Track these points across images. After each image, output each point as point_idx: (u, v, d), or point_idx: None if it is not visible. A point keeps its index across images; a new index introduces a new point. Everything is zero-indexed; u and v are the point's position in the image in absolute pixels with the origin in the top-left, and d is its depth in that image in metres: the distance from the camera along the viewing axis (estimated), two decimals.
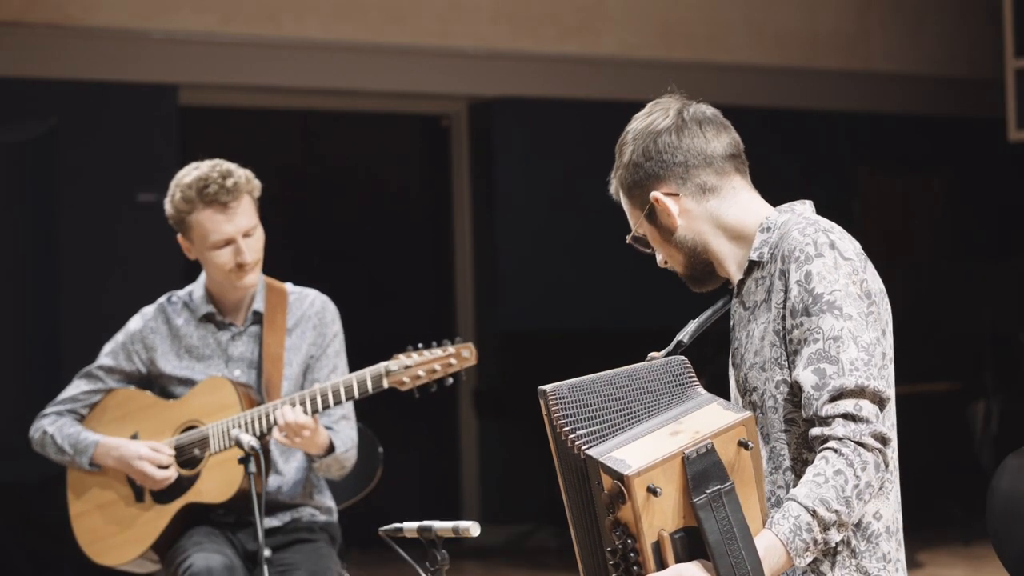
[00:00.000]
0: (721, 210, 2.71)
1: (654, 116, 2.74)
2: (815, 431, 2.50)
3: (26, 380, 7.18)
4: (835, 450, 2.46)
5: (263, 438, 3.96)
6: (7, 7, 7.22)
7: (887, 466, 2.51)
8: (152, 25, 7.52)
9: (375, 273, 8.51)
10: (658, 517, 2.38)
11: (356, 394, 3.88)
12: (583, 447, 2.41)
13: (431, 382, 3.91)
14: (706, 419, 2.46)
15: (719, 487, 2.39)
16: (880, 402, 2.51)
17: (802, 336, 2.53)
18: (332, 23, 7.95)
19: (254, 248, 4.06)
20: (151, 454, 4.03)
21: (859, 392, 2.48)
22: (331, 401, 3.89)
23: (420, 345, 3.93)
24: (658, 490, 2.35)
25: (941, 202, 9.69)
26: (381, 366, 3.88)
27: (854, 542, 2.58)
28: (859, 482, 2.46)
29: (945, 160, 9.67)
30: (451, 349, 3.93)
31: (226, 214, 4.02)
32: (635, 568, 2.40)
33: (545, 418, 2.52)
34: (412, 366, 3.89)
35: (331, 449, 3.99)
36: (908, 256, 9.35)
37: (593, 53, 8.59)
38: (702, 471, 2.39)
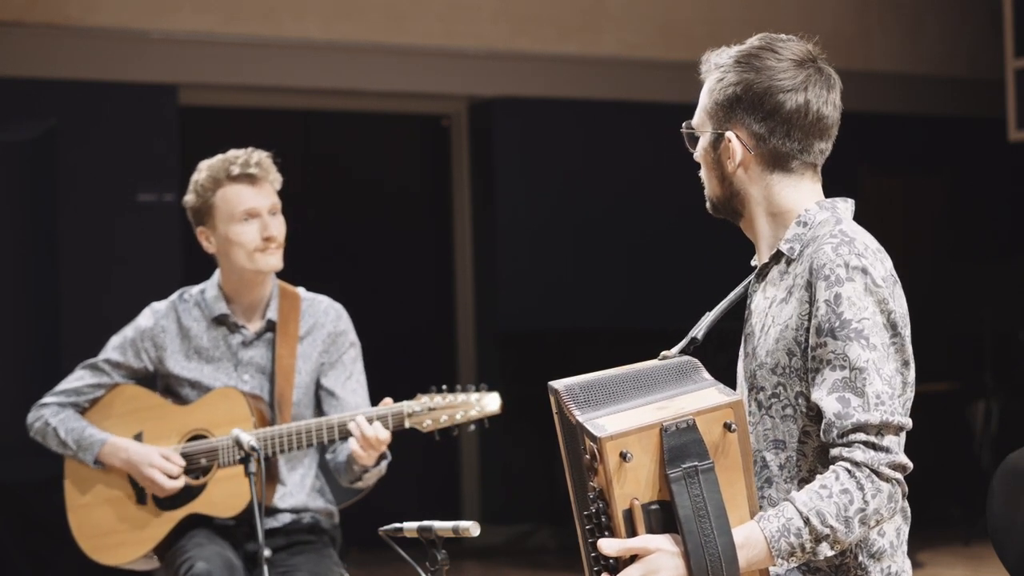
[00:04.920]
0: (779, 186, 2.66)
1: (796, 76, 2.64)
2: (834, 451, 2.48)
3: (25, 380, 7.18)
4: (848, 471, 2.45)
5: (273, 458, 3.97)
6: (7, 7, 7.22)
7: (904, 495, 2.49)
8: (152, 25, 7.52)
9: (375, 273, 8.51)
10: (631, 485, 2.37)
11: None
12: (574, 412, 2.41)
13: (452, 427, 3.88)
14: (697, 400, 2.46)
15: (696, 464, 2.38)
16: (900, 432, 2.50)
17: (824, 357, 2.50)
18: (332, 23, 7.95)
19: (279, 227, 4.06)
20: (162, 462, 3.99)
21: (883, 427, 2.47)
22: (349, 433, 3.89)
23: (444, 387, 3.90)
24: (628, 454, 2.34)
25: (941, 202, 9.70)
26: (403, 406, 3.85)
27: (860, 558, 2.56)
28: (866, 507, 2.44)
29: (945, 160, 9.67)
30: (476, 396, 3.87)
31: (253, 188, 4.05)
32: (606, 534, 2.39)
33: (555, 416, 2.51)
34: (435, 409, 3.86)
35: (382, 457, 3.97)
36: (908, 256, 9.36)
37: (593, 53, 8.59)
38: (680, 445, 2.38)
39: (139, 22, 7.49)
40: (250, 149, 4.09)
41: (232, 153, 4.08)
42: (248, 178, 4.04)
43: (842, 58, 9.25)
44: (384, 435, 3.83)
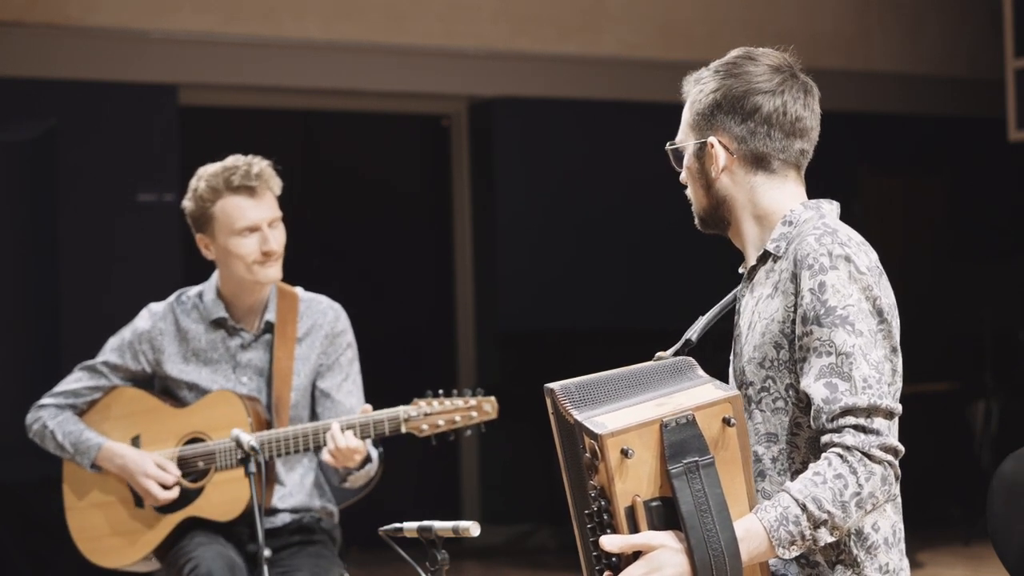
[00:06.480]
0: (763, 188, 2.69)
1: (772, 80, 2.68)
2: (825, 438, 2.49)
3: (25, 380, 7.18)
4: (840, 456, 2.45)
5: (270, 462, 3.96)
6: (7, 7, 7.22)
7: (897, 478, 2.50)
8: (152, 25, 7.52)
9: (375, 273, 8.51)
10: (632, 482, 2.37)
11: (372, 434, 3.85)
12: (572, 412, 2.41)
13: (449, 431, 3.88)
14: (695, 395, 2.46)
15: (697, 459, 2.39)
16: (890, 416, 2.51)
17: (811, 345, 2.52)
18: (332, 23, 7.95)
19: (279, 239, 4.04)
20: (156, 472, 3.99)
21: (872, 410, 2.48)
22: None
23: (441, 392, 3.89)
24: (629, 451, 2.35)
25: (941, 202, 9.70)
26: (400, 411, 3.84)
27: (855, 551, 2.57)
28: (860, 490, 2.44)
29: (945, 160, 9.67)
30: (473, 401, 3.88)
31: (253, 200, 4.00)
32: (608, 532, 2.39)
33: (551, 416, 2.51)
34: (432, 414, 3.85)
35: (367, 460, 3.97)
36: (908, 256, 9.36)
37: (593, 53, 8.59)
38: (680, 441, 2.38)
39: (139, 22, 7.49)
40: (250, 157, 4.05)
41: (232, 162, 4.03)
42: (248, 190, 4.00)
43: (842, 58, 9.29)
44: (355, 444, 3.82)
